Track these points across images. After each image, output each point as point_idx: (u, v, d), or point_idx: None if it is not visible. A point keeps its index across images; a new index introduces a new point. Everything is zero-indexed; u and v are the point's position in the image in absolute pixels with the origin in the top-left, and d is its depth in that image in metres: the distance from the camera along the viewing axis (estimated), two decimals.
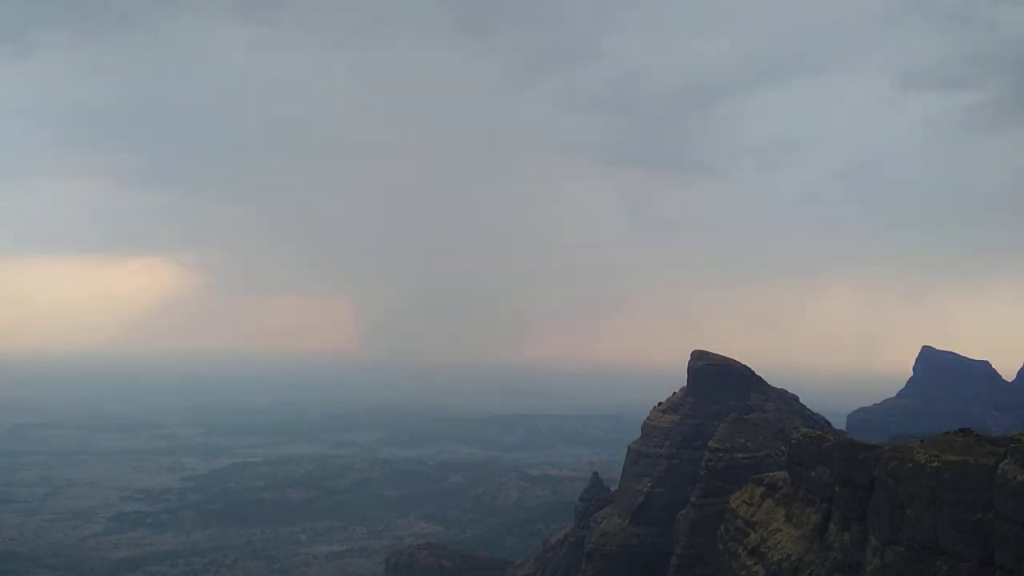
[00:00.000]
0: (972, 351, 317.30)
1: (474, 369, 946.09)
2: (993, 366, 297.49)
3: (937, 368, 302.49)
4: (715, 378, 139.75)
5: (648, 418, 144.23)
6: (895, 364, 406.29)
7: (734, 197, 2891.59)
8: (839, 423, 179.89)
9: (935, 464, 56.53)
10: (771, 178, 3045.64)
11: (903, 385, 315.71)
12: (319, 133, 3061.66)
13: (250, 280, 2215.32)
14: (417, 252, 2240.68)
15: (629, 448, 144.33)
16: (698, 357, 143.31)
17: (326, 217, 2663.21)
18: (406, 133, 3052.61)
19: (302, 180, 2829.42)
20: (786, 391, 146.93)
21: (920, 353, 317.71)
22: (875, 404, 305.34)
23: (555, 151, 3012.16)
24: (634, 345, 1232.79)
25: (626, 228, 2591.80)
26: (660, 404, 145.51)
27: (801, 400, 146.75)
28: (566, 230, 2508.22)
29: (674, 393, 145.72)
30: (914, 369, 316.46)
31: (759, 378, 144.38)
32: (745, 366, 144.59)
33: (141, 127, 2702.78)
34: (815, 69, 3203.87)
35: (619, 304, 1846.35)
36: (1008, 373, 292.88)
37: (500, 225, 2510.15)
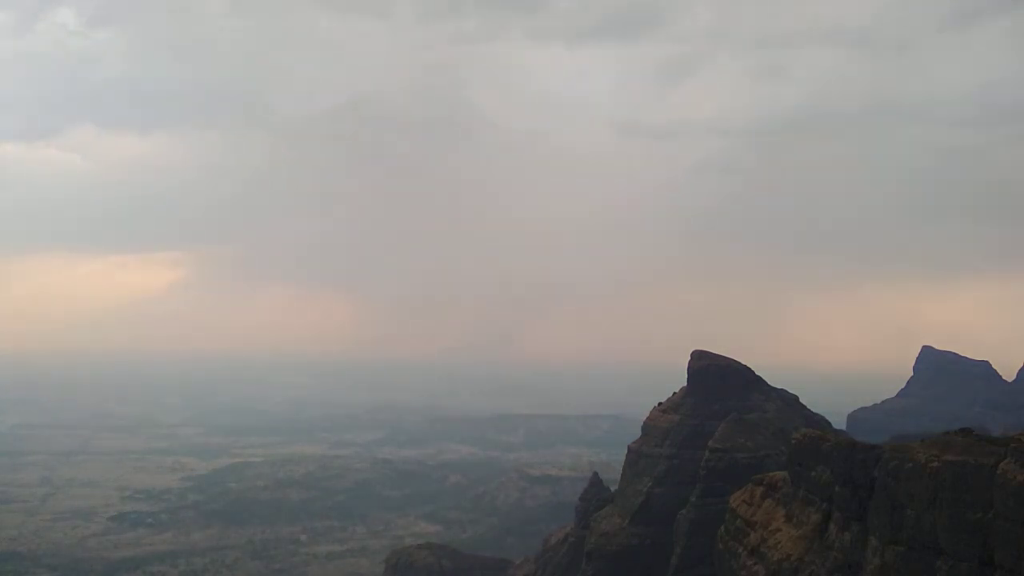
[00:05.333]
0: (972, 351, 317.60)
1: (475, 369, 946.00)
2: (993, 366, 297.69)
3: (937, 368, 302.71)
4: (715, 378, 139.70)
5: (648, 418, 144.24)
6: (895, 364, 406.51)
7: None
8: (839, 423, 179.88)
9: (935, 464, 56.54)
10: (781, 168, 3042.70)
11: (903, 385, 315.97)
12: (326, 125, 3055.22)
13: (250, 278, 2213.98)
14: (419, 250, 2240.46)
15: (629, 448, 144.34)
16: (698, 357, 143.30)
17: (326, 212, 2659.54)
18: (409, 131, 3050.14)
19: (304, 177, 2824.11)
20: (786, 391, 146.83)
21: (920, 353, 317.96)
22: (875, 404, 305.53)
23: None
24: (635, 344, 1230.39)
25: (631, 224, 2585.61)
26: (660, 404, 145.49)
27: (801, 400, 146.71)
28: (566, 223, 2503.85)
29: (674, 393, 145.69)
30: (914, 369, 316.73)
31: (759, 378, 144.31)
32: (745, 366, 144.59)
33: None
34: None
35: (623, 302, 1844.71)
36: (1008, 373, 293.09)
37: (501, 224, 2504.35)
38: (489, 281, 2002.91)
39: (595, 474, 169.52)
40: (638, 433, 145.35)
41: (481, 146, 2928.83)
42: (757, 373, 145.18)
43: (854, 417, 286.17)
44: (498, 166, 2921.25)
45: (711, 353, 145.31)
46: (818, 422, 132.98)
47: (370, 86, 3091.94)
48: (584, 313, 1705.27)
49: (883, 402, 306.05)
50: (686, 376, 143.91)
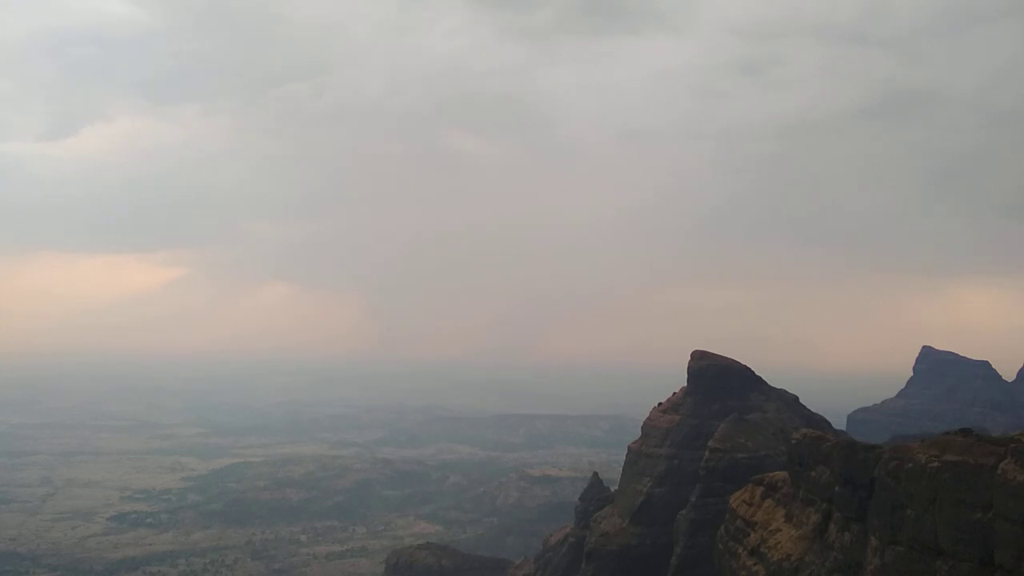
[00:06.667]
0: (972, 351, 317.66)
1: (476, 369, 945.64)
2: (993, 366, 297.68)
3: (937, 368, 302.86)
4: (715, 378, 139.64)
5: (648, 418, 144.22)
6: (895, 364, 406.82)
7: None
8: (839, 423, 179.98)
9: (935, 464, 56.46)
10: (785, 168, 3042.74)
11: (903, 385, 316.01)
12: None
13: (250, 278, 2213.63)
14: (421, 249, 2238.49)
15: (629, 448, 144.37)
16: (698, 357, 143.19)
17: (326, 212, 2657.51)
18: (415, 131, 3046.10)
19: (302, 174, 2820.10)
20: (786, 391, 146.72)
21: (920, 353, 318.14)
22: (875, 404, 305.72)
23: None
24: (637, 344, 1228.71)
25: (633, 227, 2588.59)
26: (660, 404, 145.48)
27: (801, 400, 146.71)
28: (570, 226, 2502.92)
29: (674, 393, 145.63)
30: (914, 369, 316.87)
31: (759, 378, 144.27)
32: (745, 366, 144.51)
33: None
34: None
35: (624, 304, 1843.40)
36: (1008, 373, 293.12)
37: (504, 225, 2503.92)
38: (496, 283, 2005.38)
39: (595, 474, 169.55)
40: (638, 433, 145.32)
41: (496, 149, 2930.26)
42: (757, 373, 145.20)
43: (854, 417, 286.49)
44: (504, 168, 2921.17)
45: (711, 353, 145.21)
46: (818, 422, 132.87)
47: (377, 84, 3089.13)
48: (589, 316, 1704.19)
49: (883, 402, 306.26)
50: (686, 376, 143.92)
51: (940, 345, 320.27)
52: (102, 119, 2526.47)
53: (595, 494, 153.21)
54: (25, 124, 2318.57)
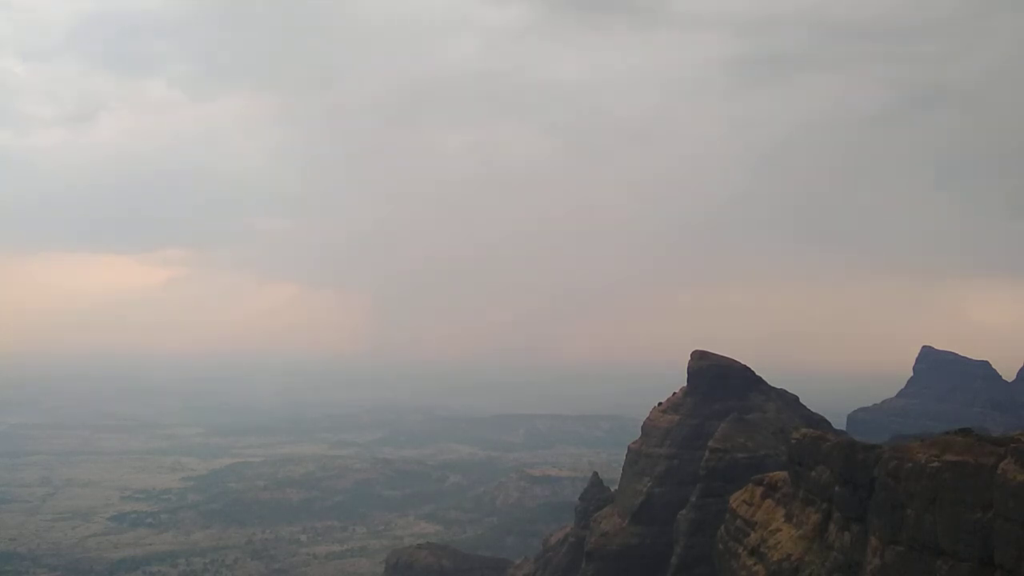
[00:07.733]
0: (972, 351, 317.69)
1: (476, 369, 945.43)
2: (993, 366, 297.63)
3: (937, 368, 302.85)
4: (715, 378, 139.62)
5: (648, 418, 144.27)
6: (895, 364, 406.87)
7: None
8: (839, 423, 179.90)
9: (935, 464, 56.48)
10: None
11: (903, 385, 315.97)
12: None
13: (251, 277, 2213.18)
14: (423, 250, 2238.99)
15: (629, 448, 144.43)
16: (698, 357, 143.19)
17: (328, 211, 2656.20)
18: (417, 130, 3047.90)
19: (304, 172, 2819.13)
20: (786, 391, 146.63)
21: (920, 353, 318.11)
22: (875, 404, 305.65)
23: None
24: (637, 344, 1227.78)
25: (633, 227, 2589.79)
26: (660, 404, 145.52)
27: (801, 400, 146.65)
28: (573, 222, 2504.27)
29: (674, 393, 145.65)
30: (914, 369, 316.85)
31: (759, 378, 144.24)
32: (745, 366, 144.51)
33: None
34: None
35: (623, 304, 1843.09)
36: (1008, 373, 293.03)
37: (506, 225, 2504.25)
38: (497, 284, 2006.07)
39: (595, 474, 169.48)
40: (638, 433, 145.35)
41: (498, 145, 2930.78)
42: (757, 373, 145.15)
43: (854, 417, 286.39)
44: (508, 168, 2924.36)
45: (711, 353, 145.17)
46: (818, 422, 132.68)
47: (381, 83, 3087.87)
48: (590, 317, 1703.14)
49: (883, 402, 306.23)
50: (686, 376, 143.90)
51: (940, 345, 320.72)
52: (104, 114, 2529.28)
53: (595, 494, 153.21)
54: (24, 123, 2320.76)
